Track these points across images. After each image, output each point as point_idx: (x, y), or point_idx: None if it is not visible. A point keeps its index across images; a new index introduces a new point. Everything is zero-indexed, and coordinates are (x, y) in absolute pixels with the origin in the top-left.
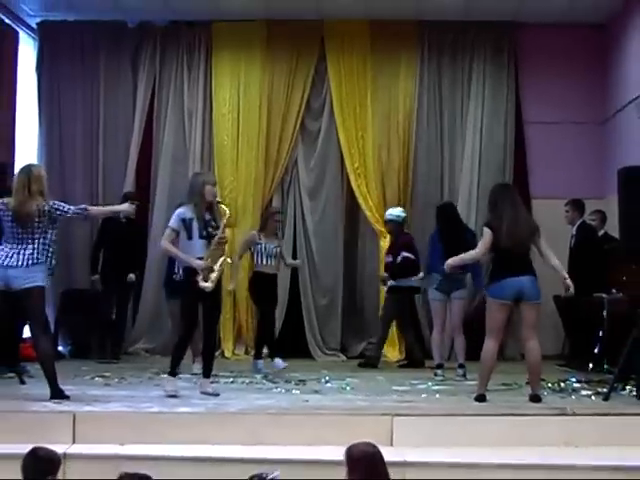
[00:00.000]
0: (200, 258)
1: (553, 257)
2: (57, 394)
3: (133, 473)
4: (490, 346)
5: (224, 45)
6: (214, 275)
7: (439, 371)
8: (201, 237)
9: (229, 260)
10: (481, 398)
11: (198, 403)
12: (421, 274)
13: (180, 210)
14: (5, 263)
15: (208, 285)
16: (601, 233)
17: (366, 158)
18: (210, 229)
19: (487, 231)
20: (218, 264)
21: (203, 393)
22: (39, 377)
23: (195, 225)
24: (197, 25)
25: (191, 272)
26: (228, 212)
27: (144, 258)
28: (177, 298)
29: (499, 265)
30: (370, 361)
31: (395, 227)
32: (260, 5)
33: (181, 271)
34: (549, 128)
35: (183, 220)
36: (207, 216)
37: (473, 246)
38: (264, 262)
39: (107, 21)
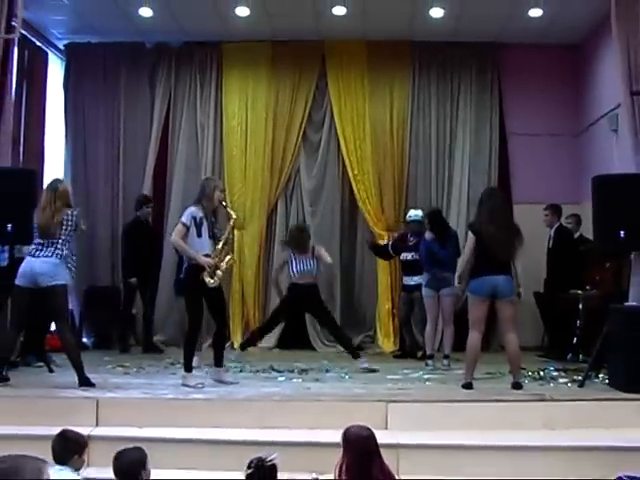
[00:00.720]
0: (207, 255)
1: (519, 265)
2: (85, 382)
3: (130, 447)
4: (474, 337)
5: (233, 64)
6: (220, 273)
7: (430, 361)
8: (209, 236)
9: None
10: (468, 386)
11: (210, 391)
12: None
13: (192, 209)
14: (34, 256)
15: (212, 281)
16: (577, 235)
17: (364, 165)
18: (215, 230)
19: (471, 237)
20: (225, 262)
21: (222, 382)
22: (65, 366)
23: (205, 224)
24: (208, 45)
25: (195, 269)
26: (234, 215)
27: (160, 258)
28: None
29: (479, 264)
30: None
31: (418, 227)
32: (266, 27)
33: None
34: (530, 139)
35: (194, 218)
36: (212, 218)
37: (455, 249)
38: None
39: (127, 42)
